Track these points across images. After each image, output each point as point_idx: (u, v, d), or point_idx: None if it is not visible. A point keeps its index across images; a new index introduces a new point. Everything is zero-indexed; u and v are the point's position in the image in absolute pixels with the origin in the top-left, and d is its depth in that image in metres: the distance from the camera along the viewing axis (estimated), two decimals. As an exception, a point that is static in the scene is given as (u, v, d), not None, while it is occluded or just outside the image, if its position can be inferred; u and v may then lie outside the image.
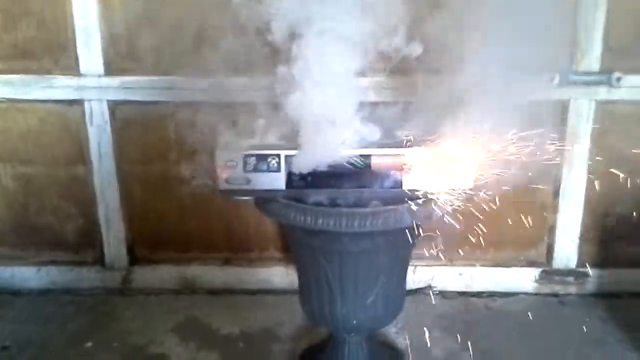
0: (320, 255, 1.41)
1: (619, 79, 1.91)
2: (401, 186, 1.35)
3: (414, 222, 1.32)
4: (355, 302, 1.44)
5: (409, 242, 1.48)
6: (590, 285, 2.12)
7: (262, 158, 1.35)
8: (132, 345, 1.87)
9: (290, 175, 1.36)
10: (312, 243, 1.41)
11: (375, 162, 1.35)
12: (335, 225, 1.28)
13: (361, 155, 1.35)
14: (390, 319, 1.56)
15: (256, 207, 1.41)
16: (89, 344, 1.87)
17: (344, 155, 1.34)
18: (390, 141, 1.39)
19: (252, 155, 1.35)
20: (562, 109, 1.96)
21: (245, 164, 1.36)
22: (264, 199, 1.39)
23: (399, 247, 1.45)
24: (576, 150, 1.99)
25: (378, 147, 1.36)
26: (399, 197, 1.34)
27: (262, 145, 1.38)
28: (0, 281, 2.19)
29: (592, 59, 1.91)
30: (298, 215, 1.31)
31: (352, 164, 1.35)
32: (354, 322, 1.46)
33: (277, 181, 1.36)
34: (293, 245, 1.53)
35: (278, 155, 1.35)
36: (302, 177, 1.36)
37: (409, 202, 1.32)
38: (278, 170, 1.35)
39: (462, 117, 1.44)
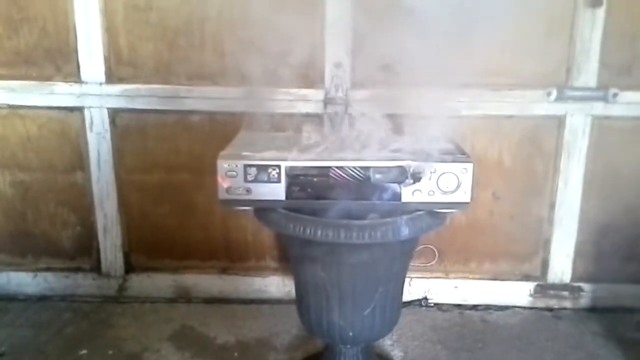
0: (318, 267, 1.41)
1: (615, 95, 1.93)
2: (400, 198, 1.35)
3: (412, 235, 1.33)
4: (353, 313, 1.44)
5: (407, 254, 1.50)
6: (584, 300, 2.13)
7: (262, 168, 1.36)
8: (127, 353, 1.87)
9: (290, 186, 1.37)
10: (310, 254, 1.41)
11: (374, 173, 1.36)
12: (334, 236, 1.29)
13: (360, 167, 1.35)
14: (387, 331, 1.57)
15: (256, 217, 1.42)
16: (84, 352, 1.87)
17: (344, 166, 1.35)
18: (388, 153, 1.40)
19: (252, 165, 1.36)
20: (559, 124, 1.98)
21: (245, 174, 1.36)
22: (264, 210, 1.40)
23: (397, 258, 1.46)
24: (572, 165, 2.01)
25: (377, 159, 1.36)
26: (397, 209, 1.35)
27: (262, 155, 1.39)
28: (-5, 287, 2.19)
29: (589, 75, 1.94)
30: (297, 226, 1.32)
31: (351, 175, 1.36)
32: (351, 333, 1.47)
33: (277, 192, 1.36)
34: (291, 255, 1.54)
35: (278, 166, 1.36)
36: (302, 188, 1.37)
37: (407, 214, 1.34)
38: (278, 181, 1.36)
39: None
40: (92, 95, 2.02)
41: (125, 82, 2.02)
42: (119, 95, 2.02)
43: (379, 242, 1.30)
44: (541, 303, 2.14)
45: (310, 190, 1.37)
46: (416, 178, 1.34)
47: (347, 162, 1.36)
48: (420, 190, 1.35)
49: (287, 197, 1.37)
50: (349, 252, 1.36)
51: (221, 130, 1.99)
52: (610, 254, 2.09)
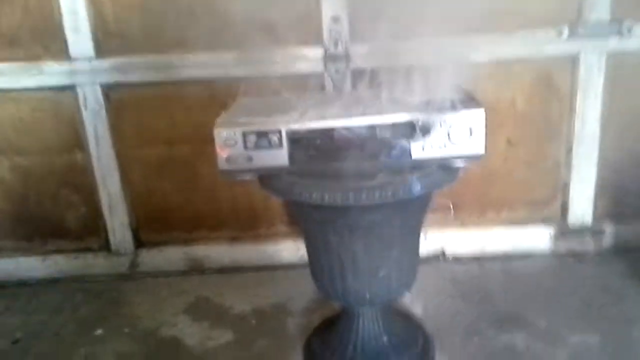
0: (329, 231, 1.36)
1: (630, 28, 1.83)
2: (410, 155, 1.28)
3: (424, 191, 1.27)
4: (368, 275, 1.39)
5: (421, 211, 1.43)
6: (607, 241, 2.07)
7: (262, 135, 1.29)
8: (144, 330, 1.84)
9: (293, 150, 1.29)
10: (320, 219, 1.35)
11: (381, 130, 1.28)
12: (343, 199, 1.22)
13: (366, 125, 1.28)
14: (405, 290, 1.52)
15: (260, 185, 1.36)
16: (99, 332, 1.85)
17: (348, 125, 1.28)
18: (395, 107, 1.32)
19: (252, 132, 1.29)
20: (572, 63, 1.89)
21: (245, 141, 1.29)
22: (268, 177, 1.33)
23: (410, 216, 1.40)
24: (588, 105, 1.92)
25: (382, 115, 1.29)
26: (407, 166, 1.28)
27: (261, 121, 1.31)
28: (5, 273, 2.16)
29: (601, 8, 1.83)
30: (304, 192, 1.25)
31: (356, 134, 1.28)
32: (368, 296, 1.42)
33: (280, 157, 1.29)
34: (301, 221, 1.48)
35: (279, 131, 1.28)
36: (306, 152, 1.29)
37: (419, 170, 1.27)
38: (280, 146, 1.29)
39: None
40: (82, 71, 1.95)
41: (115, 56, 1.94)
42: (110, 69, 1.95)
43: (391, 201, 1.23)
44: (562, 248, 2.08)
45: (314, 153, 1.30)
46: (426, 132, 1.26)
47: (352, 120, 1.28)
48: (430, 145, 1.27)
49: (290, 162, 1.30)
50: (360, 214, 1.29)
51: (219, 97, 1.92)
52: (631, 192, 2.01)
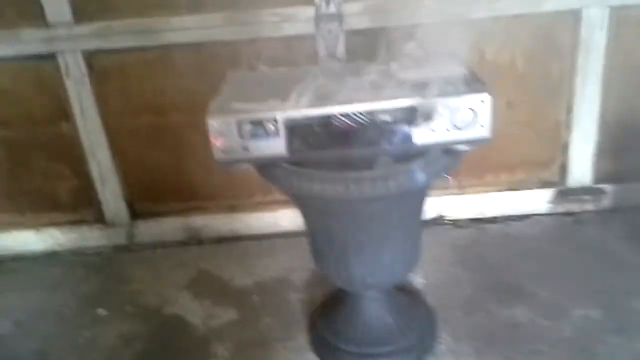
0: (331, 220, 1.33)
1: (635, -20, 1.74)
2: (412, 141, 1.22)
3: (429, 180, 1.23)
4: (372, 262, 1.37)
5: (423, 194, 1.40)
6: (607, 202, 2.05)
7: (258, 123, 1.22)
8: (146, 307, 1.82)
9: (291, 139, 1.24)
10: (321, 209, 1.32)
11: (382, 117, 1.22)
12: (344, 192, 1.18)
13: (365, 111, 1.22)
14: (410, 271, 1.50)
15: (259, 175, 1.31)
16: (102, 311, 1.83)
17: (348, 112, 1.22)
18: (395, 91, 1.25)
19: (246, 121, 1.23)
20: (574, 19, 1.81)
21: (240, 131, 1.23)
22: (267, 167, 1.28)
23: (414, 202, 1.36)
24: (590, 63, 1.85)
25: (383, 100, 1.22)
26: (410, 152, 1.23)
27: (256, 107, 1.25)
28: (2, 248, 2.13)
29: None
30: (304, 183, 1.22)
31: (356, 121, 1.22)
32: (372, 281, 1.40)
33: (278, 147, 1.24)
34: (301, 209, 1.43)
35: (275, 119, 1.22)
36: (305, 140, 1.24)
37: (421, 158, 1.22)
38: (277, 135, 1.23)
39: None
40: (62, 38, 1.85)
41: (96, 21, 1.84)
42: (91, 35, 1.85)
43: (394, 192, 1.19)
44: (562, 209, 2.06)
45: (313, 141, 1.24)
46: (428, 117, 1.21)
47: (351, 107, 1.22)
48: (434, 130, 1.22)
49: (289, 152, 1.24)
50: (362, 204, 1.26)
51: (207, 62, 1.86)
52: (632, 152, 1.98)
